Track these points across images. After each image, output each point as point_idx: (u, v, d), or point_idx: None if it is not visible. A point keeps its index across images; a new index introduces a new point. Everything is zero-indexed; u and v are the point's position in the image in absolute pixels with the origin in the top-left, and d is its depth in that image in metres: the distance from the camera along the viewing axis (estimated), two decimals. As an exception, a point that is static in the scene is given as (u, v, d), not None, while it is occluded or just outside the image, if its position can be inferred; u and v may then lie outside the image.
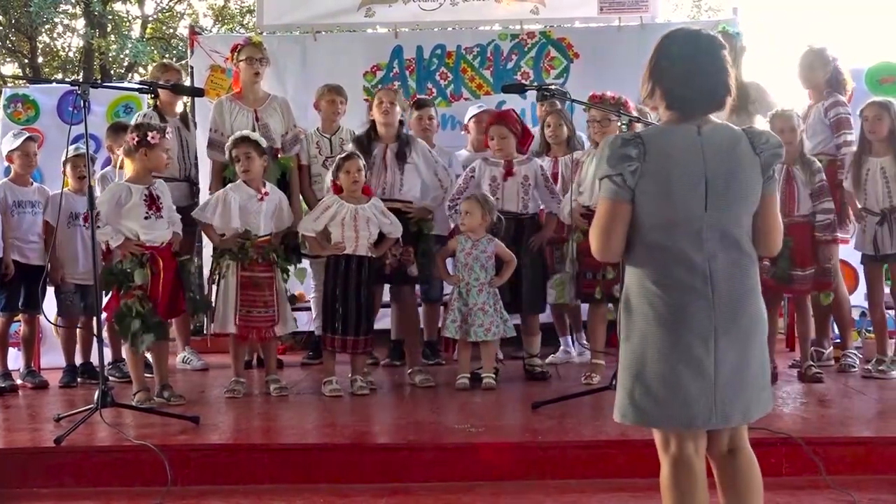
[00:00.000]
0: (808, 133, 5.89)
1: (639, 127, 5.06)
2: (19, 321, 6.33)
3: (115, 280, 5.07)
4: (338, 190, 5.55)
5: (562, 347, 6.67)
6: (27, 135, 6.28)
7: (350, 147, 5.81)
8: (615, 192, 2.64)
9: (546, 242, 6.00)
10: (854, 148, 5.84)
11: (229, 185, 5.64)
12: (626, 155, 2.61)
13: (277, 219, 5.63)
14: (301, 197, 6.34)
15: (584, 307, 6.06)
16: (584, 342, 6.42)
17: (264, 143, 5.64)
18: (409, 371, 5.89)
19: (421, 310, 6.50)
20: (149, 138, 5.15)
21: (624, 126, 4.85)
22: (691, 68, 2.66)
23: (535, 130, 6.65)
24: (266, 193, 5.55)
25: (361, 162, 5.53)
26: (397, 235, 5.61)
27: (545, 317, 6.58)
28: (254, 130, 5.90)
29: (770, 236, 2.74)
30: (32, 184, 6.32)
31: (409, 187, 5.87)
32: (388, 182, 5.80)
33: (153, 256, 5.12)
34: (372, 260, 5.53)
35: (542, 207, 6.06)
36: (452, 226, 6.11)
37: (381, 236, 5.59)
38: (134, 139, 5.19)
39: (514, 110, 6.48)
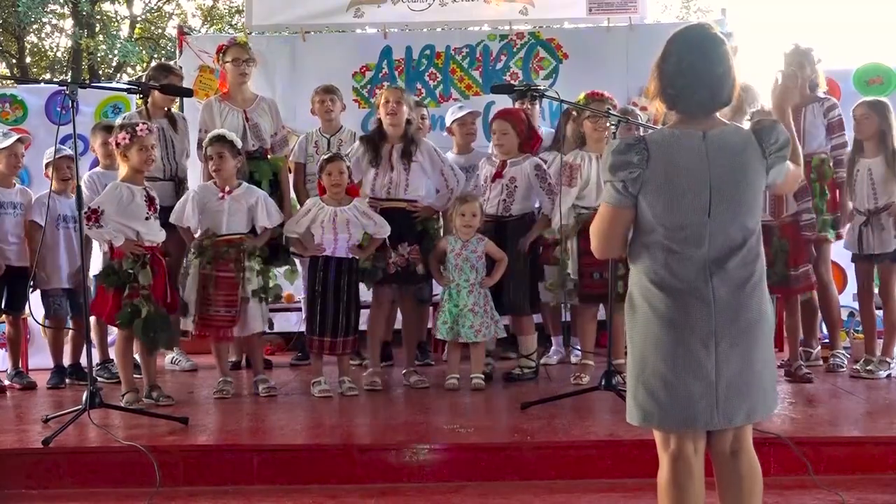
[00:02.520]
0: (808, 134, 5.94)
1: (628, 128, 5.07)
2: (3, 322, 6.30)
3: (117, 280, 5.06)
4: (323, 191, 5.55)
5: (553, 348, 6.67)
6: (17, 136, 6.24)
7: (357, 145, 5.81)
8: (616, 198, 2.66)
9: (551, 243, 5.87)
10: (849, 148, 5.90)
11: (197, 185, 5.62)
12: (628, 162, 2.61)
13: (253, 218, 5.51)
14: (296, 195, 6.35)
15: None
16: (577, 346, 6.39)
17: (240, 144, 5.60)
18: (403, 371, 5.88)
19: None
20: (117, 139, 5.19)
21: (613, 126, 4.84)
22: (691, 71, 2.62)
23: (543, 130, 6.61)
24: (229, 192, 5.46)
25: (344, 164, 5.51)
26: (383, 236, 5.58)
27: (536, 317, 6.57)
28: (244, 130, 5.93)
29: None
30: (15, 185, 6.29)
31: (414, 187, 5.81)
32: (394, 181, 5.76)
33: (154, 256, 5.15)
34: (354, 261, 5.51)
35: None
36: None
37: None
38: (114, 141, 5.24)
39: (524, 111, 6.18)
